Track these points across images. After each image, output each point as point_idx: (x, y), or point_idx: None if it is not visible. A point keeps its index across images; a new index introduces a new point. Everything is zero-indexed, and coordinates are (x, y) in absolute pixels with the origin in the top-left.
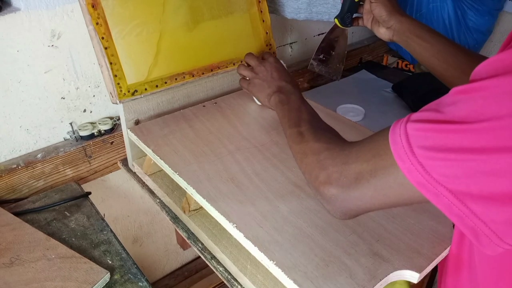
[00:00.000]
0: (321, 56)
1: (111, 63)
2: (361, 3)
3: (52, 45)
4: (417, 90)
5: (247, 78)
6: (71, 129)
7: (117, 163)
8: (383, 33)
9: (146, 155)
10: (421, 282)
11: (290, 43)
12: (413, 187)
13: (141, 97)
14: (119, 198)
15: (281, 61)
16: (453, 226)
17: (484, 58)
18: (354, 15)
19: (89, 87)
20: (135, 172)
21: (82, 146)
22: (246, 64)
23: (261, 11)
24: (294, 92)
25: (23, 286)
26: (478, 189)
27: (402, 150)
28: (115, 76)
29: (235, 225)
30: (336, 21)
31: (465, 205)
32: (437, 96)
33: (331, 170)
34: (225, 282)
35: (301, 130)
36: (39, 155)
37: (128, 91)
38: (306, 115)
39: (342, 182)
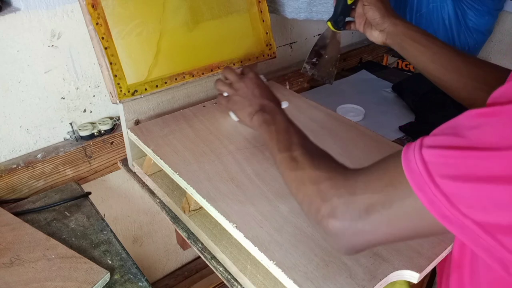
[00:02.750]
0: (314, 60)
1: (111, 63)
2: (353, 6)
3: (52, 45)
4: (417, 90)
5: (225, 95)
6: (71, 129)
7: (117, 163)
8: (376, 36)
9: (146, 155)
10: (421, 282)
11: (290, 43)
12: (434, 219)
13: (141, 97)
14: (119, 198)
15: (262, 75)
16: None
17: (480, 60)
18: (347, 19)
19: (89, 87)
20: (135, 172)
21: (82, 146)
22: (224, 79)
23: (261, 11)
24: (278, 111)
25: (23, 286)
26: (508, 220)
27: (421, 180)
28: (115, 76)
29: (235, 225)
30: (329, 24)
31: (493, 238)
32: (436, 96)
33: (336, 202)
34: (225, 282)
35: (294, 155)
36: (39, 155)
37: (128, 91)
38: (296, 138)
39: (350, 215)
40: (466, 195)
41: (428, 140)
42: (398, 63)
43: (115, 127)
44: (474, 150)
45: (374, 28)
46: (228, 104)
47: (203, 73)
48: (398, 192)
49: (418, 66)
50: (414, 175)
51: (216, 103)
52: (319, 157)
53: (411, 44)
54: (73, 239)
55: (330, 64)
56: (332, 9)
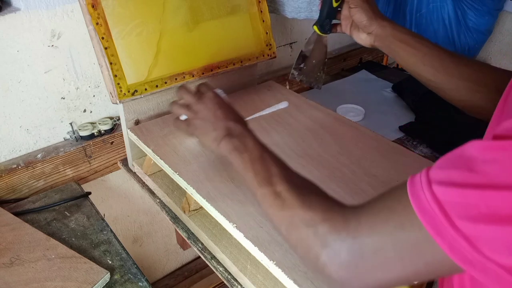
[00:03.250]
0: (301, 65)
1: (111, 63)
2: (339, 9)
3: (52, 45)
4: (417, 90)
5: (183, 118)
6: (71, 129)
7: (117, 163)
8: (363, 38)
9: (146, 155)
10: (421, 282)
11: (290, 43)
12: (454, 263)
13: (141, 97)
14: (119, 198)
15: (220, 91)
16: None
17: (472, 61)
18: (333, 21)
19: (89, 87)
20: (135, 172)
21: (82, 146)
22: (179, 100)
23: (261, 11)
24: (247, 134)
25: (23, 286)
26: None
27: (438, 223)
28: (115, 76)
29: (235, 225)
30: (315, 28)
31: None
32: (436, 96)
33: (338, 247)
34: (225, 282)
35: (277, 191)
36: (39, 155)
37: (128, 91)
38: (275, 168)
39: (356, 261)
40: (488, 237)
41: (436, 174)
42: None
43: (115, 127)
44: (494, 188)
45: (361, 30)
46: (189, 129)
47: (203, 73)
48: (410, 235)
49: (408, 68)
50: (429, 218)
51: None
52: (307, 192)
53: (400, 45)
54: (73, 239)
55: (317, 68)
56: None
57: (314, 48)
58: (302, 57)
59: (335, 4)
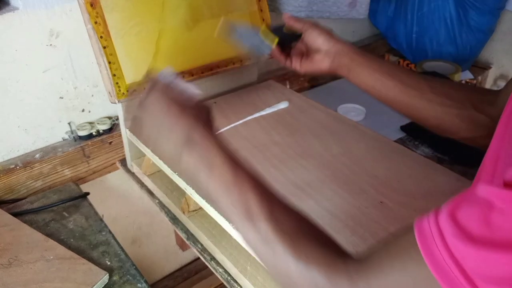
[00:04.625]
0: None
1: (109, 62)
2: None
3: (51, 45)
4: None
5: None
6: (69, 129)
7: (115, 163)
8: (320, 61)
9: (145, 155)
10: None
11: None
12: None
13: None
14: (117, 199)
15: (171, 73)
16: None
17: (439, 78)
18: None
19: (87, 87)
20: (134, 173)
21: (81, 146)
22: None
23: (261, 10)
24: (213, 142)
25: (21, 287)
26: None
27: (459, 285)
28: (114, 75)
29: (235, 225)
30: (275, 41)
31: None
32: None
33: None
34: (225, 283)
35: (263, 231)
36: (37, 155)
37: (127, 91)
38: (253, 196)
39: None
40: None
41: (448, 224)
42: (399, 62)
43: (113, 127)
44: None
45: (318, 53)
46: (140, 135)
47: (202, 73)
48: None
49: (373, 87)
50: (448, 280)
51: (215, 102)
52: (299, 235)
53: (362, 62)
54: (72, 240)
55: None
56: (333, 7)
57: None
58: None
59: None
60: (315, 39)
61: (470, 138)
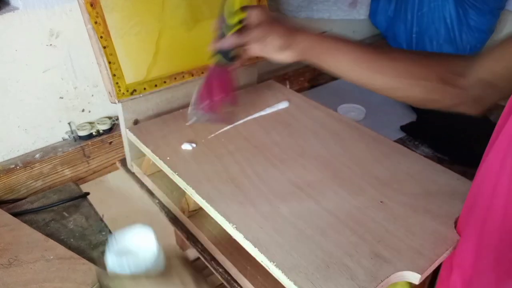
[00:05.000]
0: (204, 104)
1: (109, 62)
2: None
3: (51, 45)
4: None
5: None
6: (69, 129)
7: (115, 163)
8: (285, 57)
9: (145, 155)
10: (422, 283)
11: None
12: None
13: (140, 96)
14: (118, 199)
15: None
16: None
17: (408, 54)
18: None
19: (87, 87)
20: (134, 173)
21: (81, 146)
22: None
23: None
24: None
25: (21, 287)
26: None
27: None
28: (114, 75)
29: (235, 226)
30: (217, 58)
31: None
32: None
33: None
34: (225, 283)
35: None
36: (37, 155)
37: (127, 91)
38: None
39: None
40: None
41: None
42: None
43: (113, 127)
44: None
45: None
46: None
47: (202, 72)
48: None
49: (341, 75)
50: None
51: None
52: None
53: (328, 52)
54: (72, 240)
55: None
56: (333, 7)
57: (219, 81)
58: (204, 95)
59: (228, 33)
60: (276, 43)
61: (442, 108)
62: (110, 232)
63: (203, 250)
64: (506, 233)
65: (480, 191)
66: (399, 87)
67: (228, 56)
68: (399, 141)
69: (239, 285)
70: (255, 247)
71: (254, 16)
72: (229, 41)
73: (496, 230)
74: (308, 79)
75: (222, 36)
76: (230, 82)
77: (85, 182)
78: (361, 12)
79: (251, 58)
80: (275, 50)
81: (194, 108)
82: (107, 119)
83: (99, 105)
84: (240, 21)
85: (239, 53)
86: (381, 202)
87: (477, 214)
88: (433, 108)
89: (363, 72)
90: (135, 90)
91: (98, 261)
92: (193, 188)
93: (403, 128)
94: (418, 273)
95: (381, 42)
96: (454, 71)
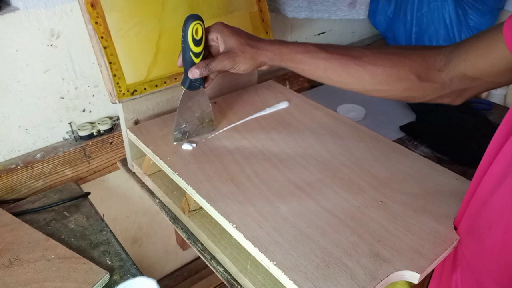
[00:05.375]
0: (184, 126)
1: (110, 63)
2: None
3: (51, 45)
4: None
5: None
6: (70, 129)
7: (116, 163)
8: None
9: (145, 155)
10: (421, 282)
11: None
12: None
13: (141, 96)
14: (118, 199)
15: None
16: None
17: (380, 54)
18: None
19: (88, 87)
20: (134, 172)
21: (81, 146)
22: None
23: (261, 10)
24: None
25: (22, 287)
26: None
27: None
28: (114, 75)
29: (235, 225)
30: (186, 84)
31: None
32: None
33: None
34: (225, 282)
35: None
36: (38, 155)
37: (128, 91)
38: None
39: None
40: None
41: None
42: None
43: (114, 127)
44: None
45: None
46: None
47: None
48: None
49: (317, 80)
50: None
51: (215, 102)
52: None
53: (297, 67)
54: (72, 240)
55: (204, 119)
56: (332, 7)
57: (192, 104)
58: (182, 120)
59: (196, 60)
60: (245, 69)
61: (422, 101)
62: (110, 231)
63: (203, 249)
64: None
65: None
66: (379, 89)
67: (198, 82)
68: (399, 141)
69: (239, 284)
70: (255, 246)
71: (215, 41)
72: (199, 72)
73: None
74: (308, 79)
75: (189, 61)
76: (204, 98)
77: (86, 182)
78: (361, 12)
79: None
80: (243, 71)
81: (175, 132)
82: (107, 119)
83: (99, 105)
84: (201, 49)
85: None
86: (380, 201)
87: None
88: (413, 102)
89: (340, 81)
90: (135, 90)
91: (99, 261)
92: (193, 188)
93: (402, 128)
94: (418, 272)
95: (380, 43)
96: (433, 67)
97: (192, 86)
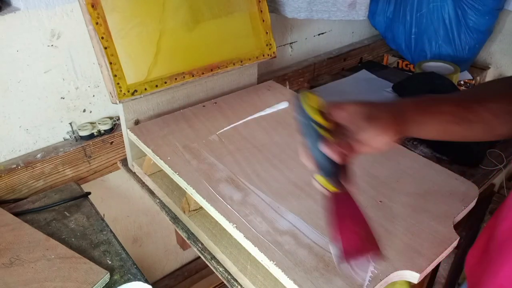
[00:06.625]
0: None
1: (110, 63)
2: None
3: (52, 45)
4: (418, 90)
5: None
6: (70, 129)
7: (116, 163)
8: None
9: (145, 155)
10: (421, 282)
11: (290, 43)
12: None
13: (141, 97)
14: (118, 198)
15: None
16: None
17: (491, 92)
18: None
19: (88, 87)
20: (134, 172)
21: (82, 146)
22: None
23: (261, 11)
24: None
25: (23, 287)
26: None
27: None
28: (115, 76)
29: (235, 225)
30: (320, 179)
31: None
32: (436, 95)
33: None
34: (225, 282)
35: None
36: (38, 155)
37: (128, 91)
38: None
39: None
40: None
41: None
42: (398, 62)
43: (114, 127)
44: None
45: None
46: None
47: (203, 73)
48: None
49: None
50: None
51: (215, 102)
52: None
53: (422, 131)
54: (73, 239)
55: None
56: (332, 8)
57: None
58: None
59: (326, 134)
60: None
61: None
62: (111, 231)
63: (203, 249)
64: None
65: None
66: (490, 135)
67: (332, 170)
68: (398, 141)
69: (239, 284)
70: (255, 246)
71: (340, 113)
72: (334, 151)
73: None
74: (307, 79)
75: (315, 141)
76: (355, 208)
77: (86, 182)
78: (361, 13)
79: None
80: (382, 146)
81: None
82: (108, 119)
83: (100, 106)
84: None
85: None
86: (380, 201)
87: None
88: None
89: (456, 137)
90: (136, 91)
91: (99, 260)
92: (193, 188)
93: None
94: (417, 272)
95: (380, 43)
96: None
97: (324, 171)
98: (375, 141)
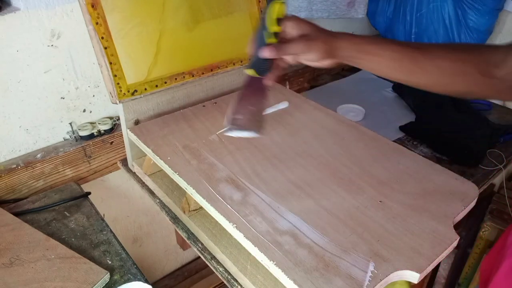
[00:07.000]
0: (239, 117)
1: (110, 63)
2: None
3: (52, 45)
4: (417, 90)
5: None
6: (70, 129)
7: (116, 163)
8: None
9: (145, 155)
10: (421, 282)
11: None
12: None
13: (141, 97)
14: (118, 198)
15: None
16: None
17: (445, 48)
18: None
19: (88, 87)
20: (134, 172)
21: (82, 146)
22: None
23: (261, 11)
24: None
25: (23, 287)
26: None
27: None
28: (115, 76)
29: (235, 225)
30: (251, 72)
31: None
32: (436, 96)
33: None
34: (225, 282)
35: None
36: (38, 155)
37: (128, 91)
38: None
39: None
40: None
41: None
42: None
43: (114, 127)
44: None
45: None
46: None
47: (203, 73)
48: None
49: (379, 74)
50: None
51: (215, 102)
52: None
53: (362, 57)
54: (73, 239)
55: (257, 115)
56: (332, 7)
57: (252, 93)
58: (239, 108)
59: (273, 40)
60: (315, 58)
61: (481, 98)
62: (111, 231)
63: (203, 249)
64: None
65: None
66: (442, 83)
67: (264, 66)
68: (398, 141)
69: (239, 284)
70: (255, 246)
71: (290, 27)
72: (268, 51)
73: None
74: (307, 79)
75: (260, 42)
76: (263, 93)
77: (86, 182)
78: (359, 11)
79: (284, 69)
80: (314, 61)
81: (230, 121)
82: (108, 119)
83: (100, 106)
84: (276, 34)
85: (275, 64)
86: (380, 201)
87: None
88: (472, 99)
89: (405, 74)
90: (136, 91)
91: (99, 260)
92: (193, 188)
93: (402, 128)
94: (417, 272)
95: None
96: (491, 63)
97: (257, 67)
98: (304, 55)
